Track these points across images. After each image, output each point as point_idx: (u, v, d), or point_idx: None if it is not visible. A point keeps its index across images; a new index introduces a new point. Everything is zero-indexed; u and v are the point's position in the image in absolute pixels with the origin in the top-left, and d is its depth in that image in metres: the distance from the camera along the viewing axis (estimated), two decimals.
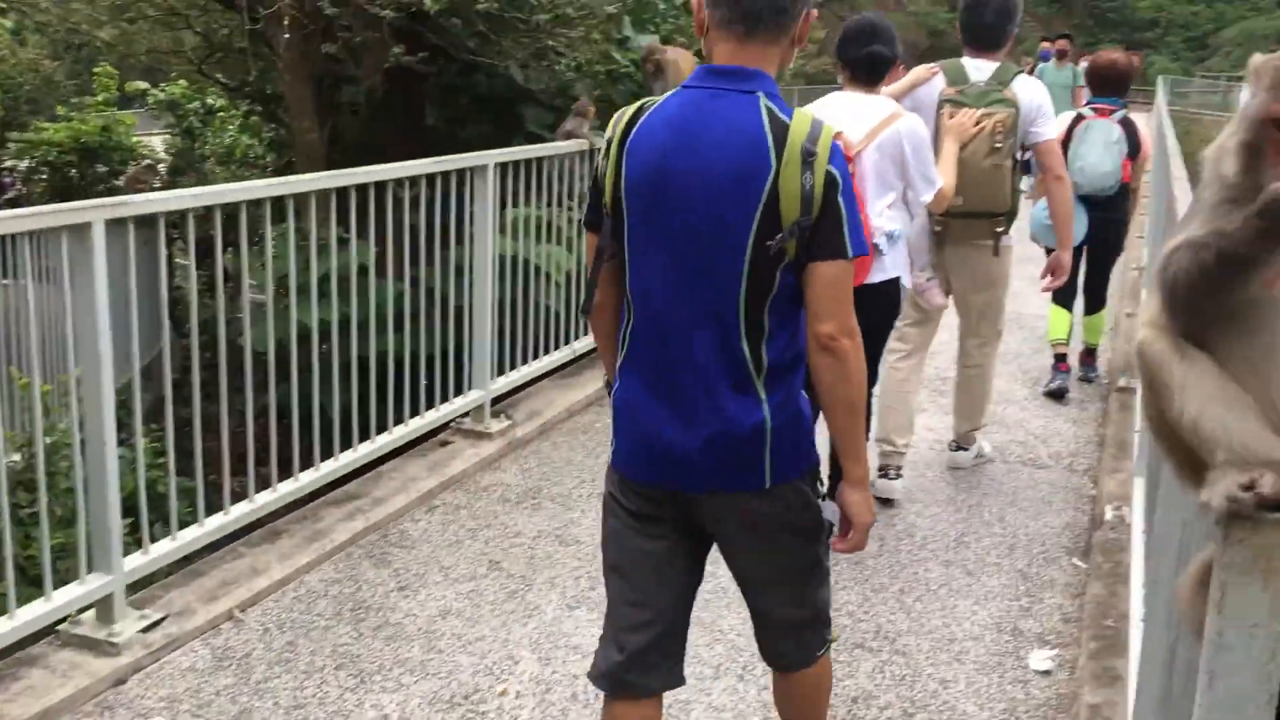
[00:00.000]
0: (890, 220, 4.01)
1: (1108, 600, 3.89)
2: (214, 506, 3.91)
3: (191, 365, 4.27)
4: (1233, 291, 1.40)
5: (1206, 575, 1.50)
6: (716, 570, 2.52)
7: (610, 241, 2.28)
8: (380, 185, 4.52)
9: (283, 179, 4.67)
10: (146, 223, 3.54)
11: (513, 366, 5.61)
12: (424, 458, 5.02)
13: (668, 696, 2.52)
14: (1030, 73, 11.23)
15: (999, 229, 4.73)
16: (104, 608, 3.39)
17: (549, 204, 5.83)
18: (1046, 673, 3.57)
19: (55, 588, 3.27)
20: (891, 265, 4.02)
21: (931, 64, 4.77)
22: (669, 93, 2.26)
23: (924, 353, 5.01)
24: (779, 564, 2.38)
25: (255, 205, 4.05)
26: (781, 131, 2.12)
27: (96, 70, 13.65)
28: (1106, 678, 3.41)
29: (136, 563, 3.52)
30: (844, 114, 3.90)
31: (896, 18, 40.82)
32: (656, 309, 2.24)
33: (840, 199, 2.13)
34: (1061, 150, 5.28)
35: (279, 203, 4.11)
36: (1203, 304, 1.44)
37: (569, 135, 6.15)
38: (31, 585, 3.45)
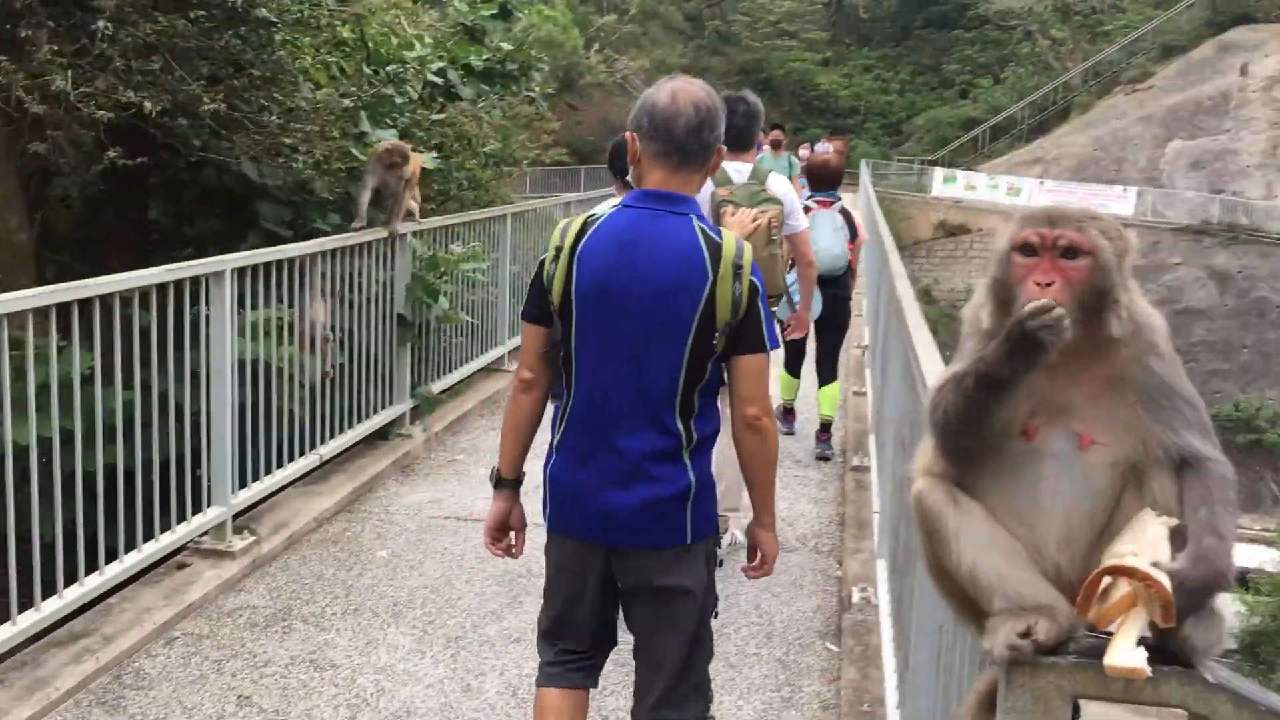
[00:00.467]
0: None
1: (861, 684, 4.05)
2: None
3: None
4: (995, 420, 1.51)
5: (985, 701, 1.59)
6: None
7: (556, 335, 2.71)
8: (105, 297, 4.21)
9: None
10: None
11: (255, 477, 5.31)
12: (159, 584, 4.66)
13: None
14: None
15: (773, 309, 5.06)
16: None
17: (291, 304, 5.61)
18: None
19: None
20: None
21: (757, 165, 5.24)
22: (623, 205, 2.70)
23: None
24: (672, 617, 2.76)
25: None
26: (715, 249, 2.62)
27: None
28: None
29: None
30: None
31: (621, 102, 42.19)
32: (603, 392, 2.65)
33: (760, 304, 2.65)
34: None
35: None
36: (971, 440, 1.53)
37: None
38: None
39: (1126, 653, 1.29)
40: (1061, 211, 1.61)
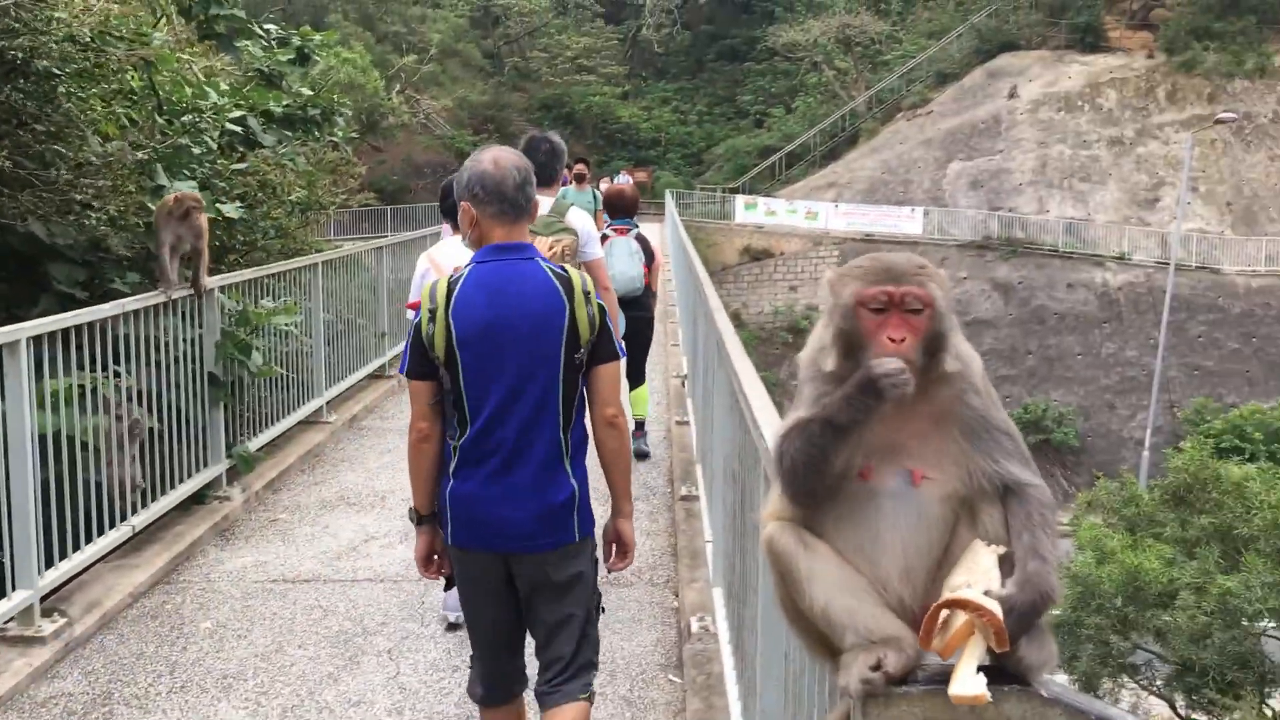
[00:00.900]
0: None
1: (706, 714, 4.11)
2: None
3: None
4: (838, 462, 1.59)
5: None
6: None
7: (446, 384, 3.07)
8: None
9: None
10: None
11: (63, 555, 5.01)
12: None
13: None
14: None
15: None
16: None
17: (93, 370, 5.34)
18: None
19: None
20: None
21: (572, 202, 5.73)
22: (476, 263, 3.11)
23: None
24: (571, 606, 3.20)
25: None
26: (566, 282, 3.12)
27: None
28: None
29: None
30: (460, 253, 4.32)
31: (425, 141, 41.93)
32: (495, 421, 3.06)
33: (607, 320, 3.18)
34: None
35: None
36: (816, 483, 1.61)
37: None
38: None
39: (968, 681, 1.38)
40: (897, 266, 1.69)
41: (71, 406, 5.17)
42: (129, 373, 5.67)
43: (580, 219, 5.45)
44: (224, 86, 8.86)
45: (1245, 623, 12.79)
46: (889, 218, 35.15)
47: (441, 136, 42.20)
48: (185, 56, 9.29)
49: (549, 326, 3.07)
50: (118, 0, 7.35)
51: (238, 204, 7.77)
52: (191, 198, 6.19)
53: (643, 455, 7.79)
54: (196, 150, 7.49)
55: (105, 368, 5.49)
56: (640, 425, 8.01)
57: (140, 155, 6.81)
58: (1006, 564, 1.53)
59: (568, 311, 3.08)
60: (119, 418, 5.50)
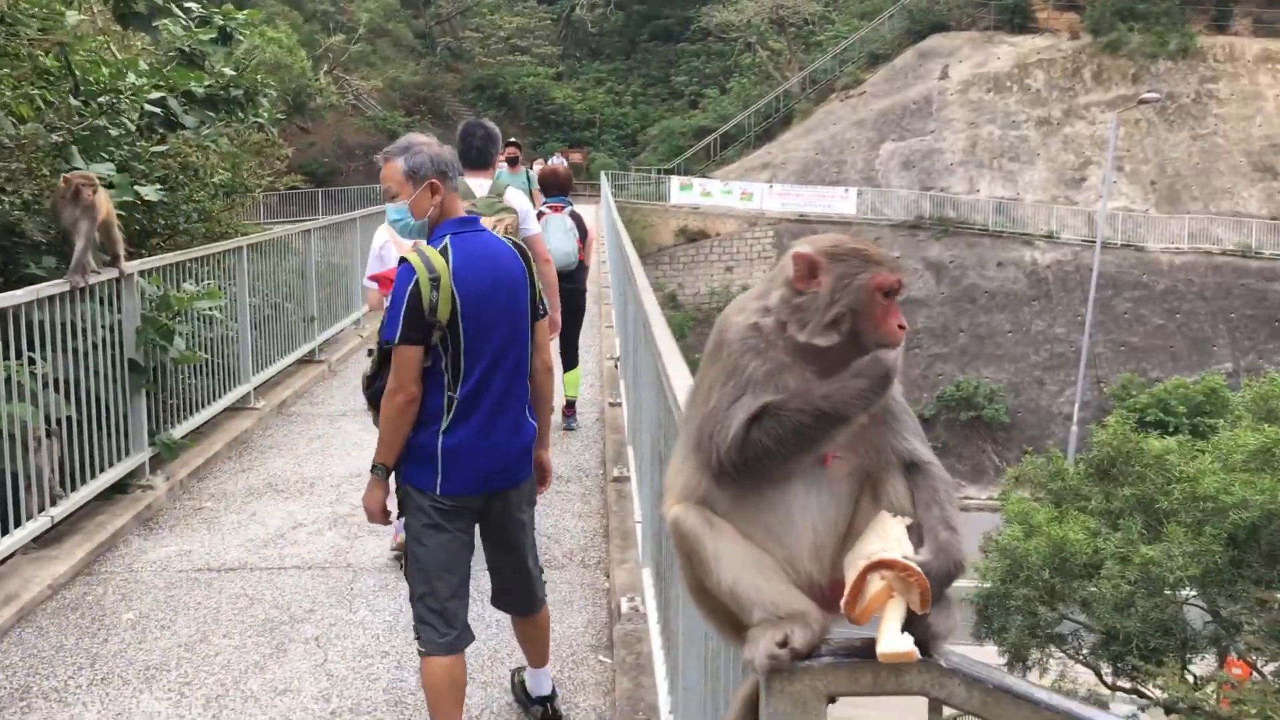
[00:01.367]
0: None
1: (635, 693, 4.13)
2: None
3: None
4: (814, 454, 1.60)
5: (749, 706, 1.67)
6: None
7: (435, 348, 3.38)
8: None
9: None
10: None
11: None
12: None
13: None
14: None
15: None
16: None
17: (8, 358, 5.21)
18: None
19: None
20: None
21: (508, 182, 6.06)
22: (451, 235, 3.45)
23: None
24: (530, 533, 3.75)
25: None
26: (520, 250, 3.61)
27: None
28: None
29: None
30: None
31: (356, 123, 41.37)
32: (488, 377, 3.44)
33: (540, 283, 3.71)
34: None
35: None
36: (780, 473, 1.60)
37: None
38: None
39: (895, 639, 1.40)
40: (883, 256, 1.70)
41: None
42: (45, 360, 5.54)
43: (518, 198, 5.73)
44: (143, 66, 8.66)
45: (1167, 591, 13.15)
46: (823, 198, 35.41)
47: (373, 118, 41.65)
48: (102, 37, 9.07)
49: (521, 290, 3.55)
50: None
51: (158, 187, 7.60)
52: (81, 176, 5.98)
53: (570, 429, 8.18)
54: (114, 132, 7.32)
55: (20, 355, 5.35)
56: (570, 405, 8.25)
57: (55, 137, 6.64)
58: (914, 535, 1.55)
59: (528, 276, 3.59)
60: (35, 406, 5.37)
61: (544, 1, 50.32)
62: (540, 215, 7.54)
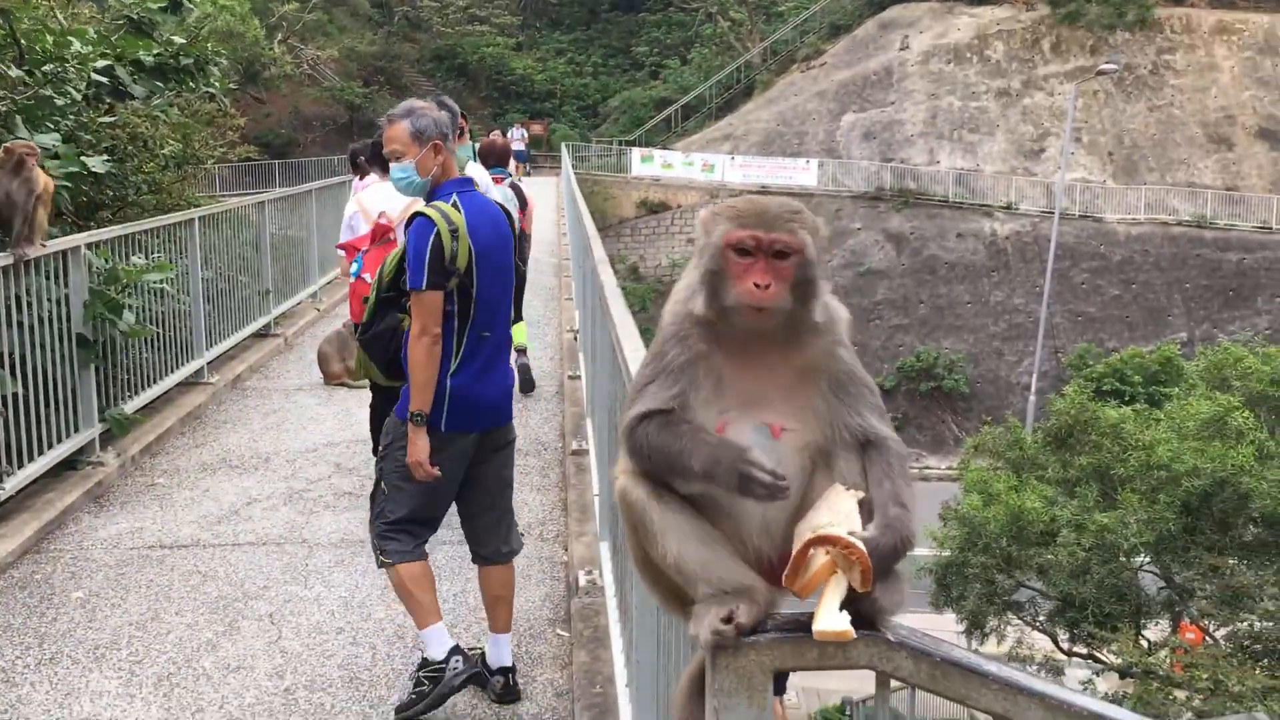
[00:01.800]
0: None
1: (593, 667, 4.12)
2: None
3: None
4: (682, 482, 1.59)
5: (697, 681, 1.65)
6: None
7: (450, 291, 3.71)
8: None
9: None
10: None
11: None
12: None
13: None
14: None
15: None
16: None
17: None
18: None
19: None
20: None
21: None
22: (458, 193, 3.81)
23: None
24: (510, 468, 4.10)
25: None
26: (506, 206, 4.19)
27: None
28: None
29: None
30: (385, 198, 5.78)
31: (313, 93, 40.79)
32: (492, 322, 3.81)
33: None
34: None
35: None
36: (668, 480, 1.60)
37: None
38: None
39: (832, 617, 1.38)
40: (770, 210, 1.66)
41: None
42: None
43: (479, 172, 6.21)
44: (90, 35, 8.46)
45: (1121, 558, 13.33)
46: (784, 169, 35.40)
47: (330, 88, 41.08)
48: (48, 4, 8.85)
49: (512, 246, 3.95)
50: None
51: (105, 158, 7.44)
52: (25, 146, 5.81)
53: (526, 381, 8.41)
54: (60, 101, 7.15)
55: None
56: (521, 350, 8.51)
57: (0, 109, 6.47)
58: (865, 510, 1.53)
59: (518, 227, 4.13)
60: None
61: None
62: None
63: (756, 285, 1.60)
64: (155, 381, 7.49)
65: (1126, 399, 23.18)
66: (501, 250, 3.81)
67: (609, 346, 4.48)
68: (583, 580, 4.78)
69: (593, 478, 5.91)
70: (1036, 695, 1.42)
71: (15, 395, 5.59)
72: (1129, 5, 38.16)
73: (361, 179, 7.96)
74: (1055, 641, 14.81)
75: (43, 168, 6.00)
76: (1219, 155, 36.67)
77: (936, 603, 14.88)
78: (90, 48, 8.00)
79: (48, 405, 5.93)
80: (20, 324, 5.72)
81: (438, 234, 3.62)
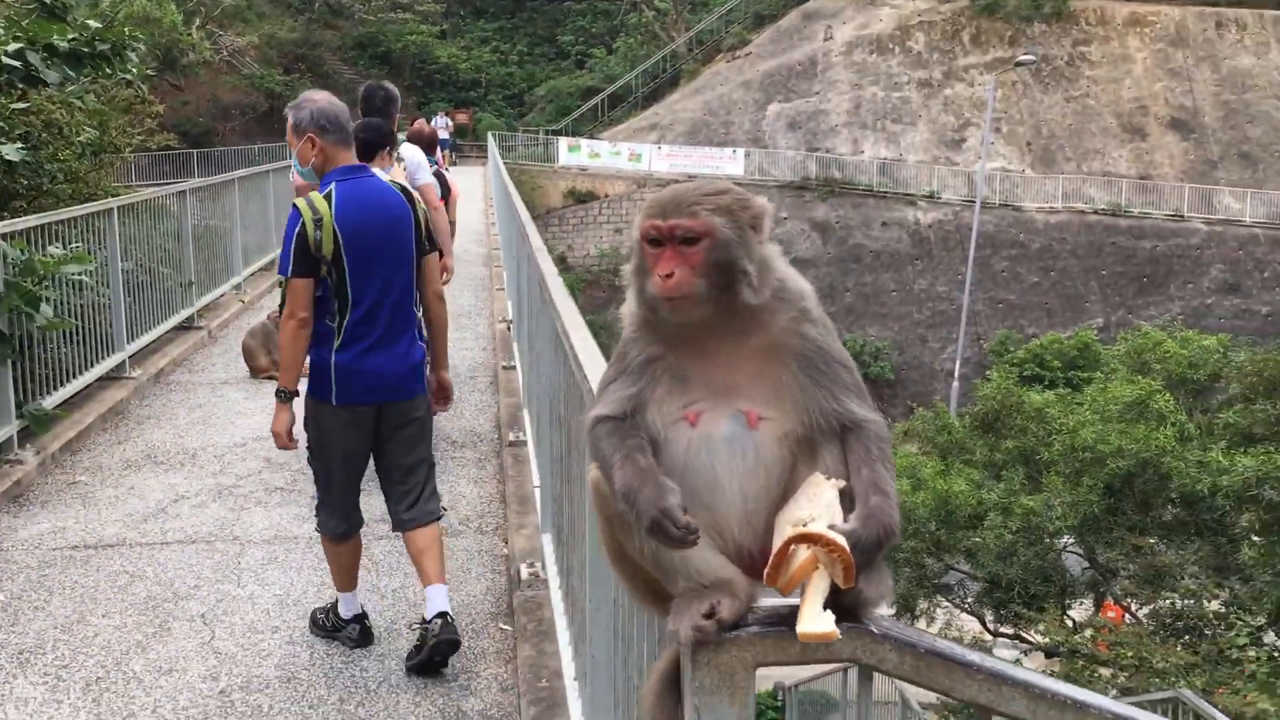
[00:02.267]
0: None
1: (538, 660, 4.06)
2: None
3: None
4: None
5: (668, 677, 1.61)
6: None
7: (324, 280, 3.92)
8: None
9: None
10: None
11: None
12: None
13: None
14: None
15: None
16: None
17: None
18: None
19: None
20: None
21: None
22: (337, 181, 3.98)
23: None
24: (419, 443, 4.22)
25: None
26: (405, 192, 4.17)
27: None
28: None
29: None
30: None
31: (231, 81, 39.92)
32: (374, 303, 3.98)
33: (430, 222, 4.33)
34: None
35: None
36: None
37: None
38: None
39: (816, 619, 1.33)
40: (679, 197, 1.60)
41: None
42: None
43: (412, 152, 6.43)
44: None
45: (1046, 539, 13.59)
46: (711, 159, 35.46)
47: (249, 76, 40.21)
48: None
49: (404, 228, 4.09)
50: None
51: (19, 145, 7.17)
52: None
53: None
54: None
55: None
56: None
57: None
58: (846, 499, 1.48)
59: (412, 215, 4.12)
60: None
61: None
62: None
63: (661, 276, 1.56)
64: (75, 376, 7.26)
65: (1046, 384, 23.65)
66: (380, 233, 3.99)
67: (549, 336, 4.42)
68: (525, 573, 4.72)
69: (532, 469, 5.84)
70: (1020, 685, 1.40)
71: None
72: None
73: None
74: (983, 623, 15.07)
75: None
76: (1133, 145, 37.53)
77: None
78: (0, 31, 7.70)
79: None
80: None
81: (302, 224, 3.88)
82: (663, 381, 1.58)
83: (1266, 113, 37.50)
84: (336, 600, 4.40)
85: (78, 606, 4.65)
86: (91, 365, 7.56)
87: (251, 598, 4.77)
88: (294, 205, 3.96)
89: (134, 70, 9.02)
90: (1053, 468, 13.78)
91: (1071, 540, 13.94)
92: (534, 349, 5.77)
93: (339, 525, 4.16)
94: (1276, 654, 11.14)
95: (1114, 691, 11.24)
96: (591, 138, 37.74)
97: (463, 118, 40.97)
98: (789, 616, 1.41)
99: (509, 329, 9.39)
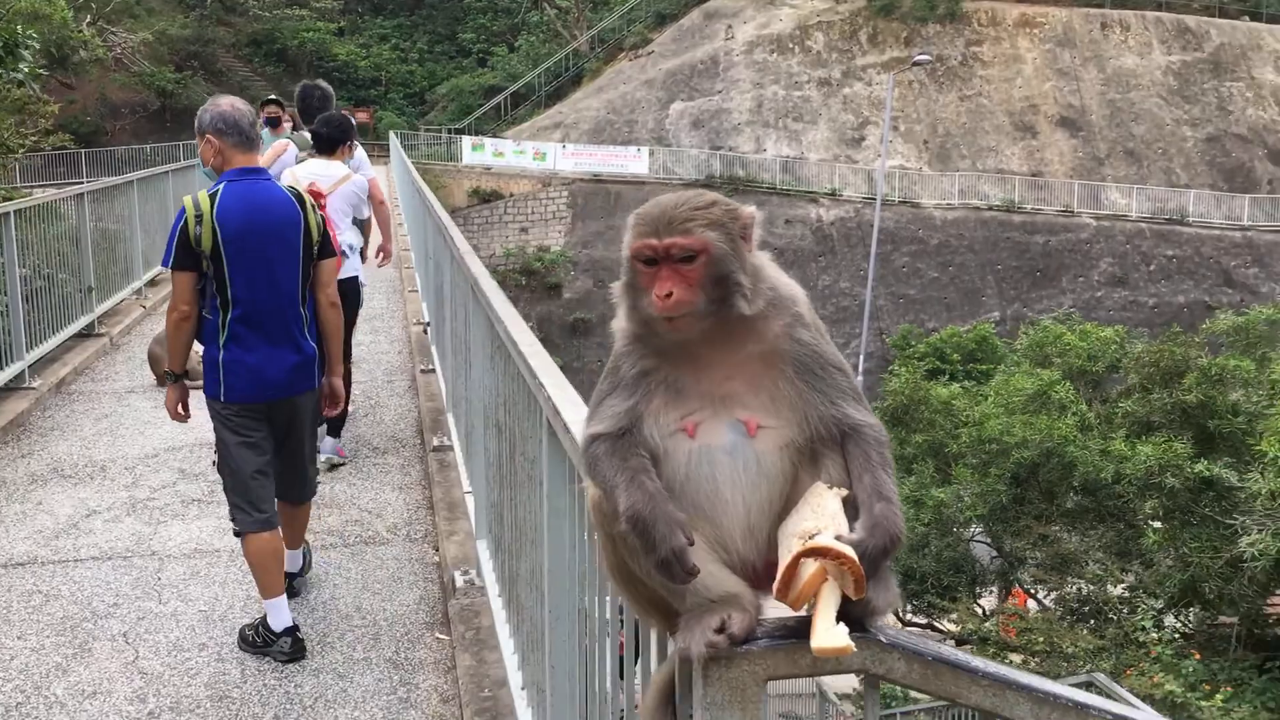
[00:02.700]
0: (353, 238, 6.60)
1: (479, 669, 4.00)
2: None
3: None
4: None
5: (666, 693, 1.59)
6: None
7: (205, 274, 4.08)
8: None
9: None
10: None
11: None
12: None
13: None
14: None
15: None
16: None
17: None
18: None
19: None
20: (353, 268, 6.47)
21: (285, 139, 7.08)
22: (226, 182, 4.13)
23: None
24: (307, 441, 4.46)
25: None
26: (298, 197, 4.29)
27: None
28: None
29: None
30: (316, 172, 6.36)
31: (121, 79, 38.70)
32: (256, 301, 4.10)
33: (327, 227, 4.44)
34: None
35: None
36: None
37: None
38: None
39: (830, 632, 1.32)
40: (669, 214, 1.58)
41: None
42: None
43: (358, 153, 6.96)
44: None
45: (956, 530, 13.88)
46: (616, 158, 35.48)
47: (139, 73, 39.01)
48: None
49: (291, 228, 4.20)
50: None
51: None
52: None
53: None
54: None
55: None
56: None
57: None
58: (849, 506, 1.47)
59: (302, 219, 4.23)
60: None
61: None
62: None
63: (659, 297, 1.55)
64: None
65: (948, 376, 24.17)
66: (262, 234, 4.10)
67: (484, 340, 4.36)
68: (460, 581, 4.65)
69: (460, 474, 5.76)
70: (1024, 689, 1.42)
71: None
72: None
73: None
74: (897, 615, 15.33)
75: None
76: (1024, 143, 38.57)
77: None
78: None
79: None
80: None
81: (185, 219, 4.07)
82: (658, 394, 1.56)
83: (1149, 111, 38.87)
84: (265, 615, 4.28)
85: None
86: None
87: (175, 614, 4.62)
88: (183, 201, 4.18)
89: (25, 69, 8.69)
90: (961, 460, 14.08)
91: (980, 530, 14.27)
92: (460, 353, 5.69)
93: (248, 516, 4.15)
94: (1177, 636, 11.56)
95: None
96: (495, 136, 37.47)
97: (363, 116, 40.27)
98: (797, 628, 1.40)
99: (425, 332, 9.25)
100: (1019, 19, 40.15)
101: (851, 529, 1.44)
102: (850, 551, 1.36)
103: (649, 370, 1.57)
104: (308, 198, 4.33)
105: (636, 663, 2.15)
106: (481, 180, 35.01)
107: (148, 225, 12.13)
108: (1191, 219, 36.04)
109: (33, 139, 11.00)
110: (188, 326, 4.12)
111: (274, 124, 13.38)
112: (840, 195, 35.88)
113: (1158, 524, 12.27)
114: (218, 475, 4.53)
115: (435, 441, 6.48)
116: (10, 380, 7.62)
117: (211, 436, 4.40)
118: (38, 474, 6.35)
